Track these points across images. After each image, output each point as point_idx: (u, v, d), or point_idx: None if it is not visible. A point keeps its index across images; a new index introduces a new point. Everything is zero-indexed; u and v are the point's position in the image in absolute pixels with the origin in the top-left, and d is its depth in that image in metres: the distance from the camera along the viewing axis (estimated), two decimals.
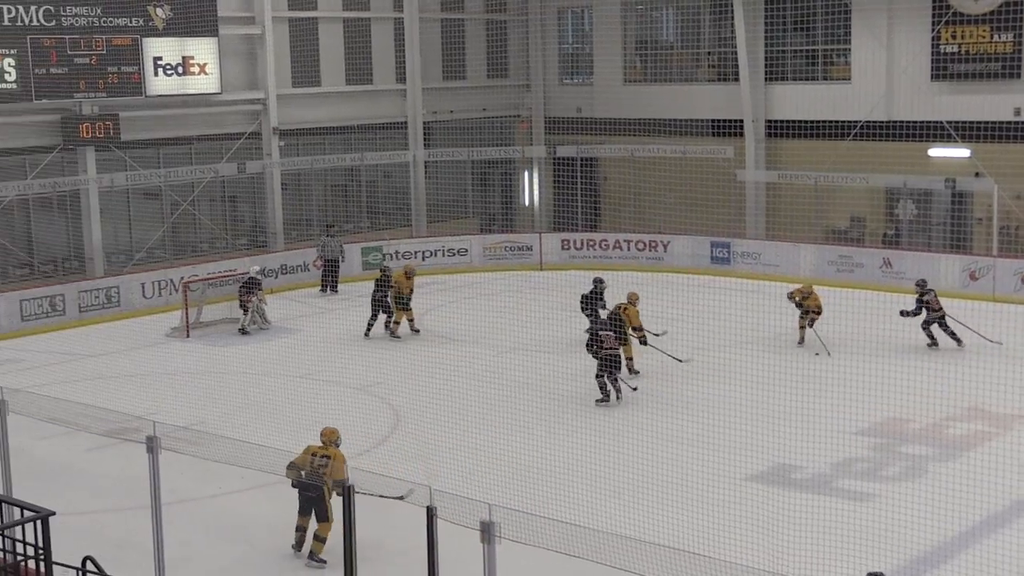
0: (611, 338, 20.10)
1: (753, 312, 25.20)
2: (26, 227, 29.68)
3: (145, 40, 29.95)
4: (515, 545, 9.10)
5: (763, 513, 14.67)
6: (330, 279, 30.65)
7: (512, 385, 20.70)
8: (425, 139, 36.49)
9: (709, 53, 36.12)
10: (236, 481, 15.12)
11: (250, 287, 26.46)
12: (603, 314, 22.72)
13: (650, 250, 33.00)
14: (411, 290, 25.46)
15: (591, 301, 23.75)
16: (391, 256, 32.80)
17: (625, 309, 21.71)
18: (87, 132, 29.16)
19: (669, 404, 19.41)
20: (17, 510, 7.39)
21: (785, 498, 15.11)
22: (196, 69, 31.00)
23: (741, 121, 33.68)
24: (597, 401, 19.79)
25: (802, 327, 23.33)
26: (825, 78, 33.44)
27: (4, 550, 7.33)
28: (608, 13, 36.82)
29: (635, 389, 20.17)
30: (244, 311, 26.35)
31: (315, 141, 34.59)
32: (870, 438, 17.71)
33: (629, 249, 33.20)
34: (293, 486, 13.43)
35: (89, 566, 10.56)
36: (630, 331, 21.38)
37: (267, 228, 33.59)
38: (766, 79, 33.75)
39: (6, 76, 27.76)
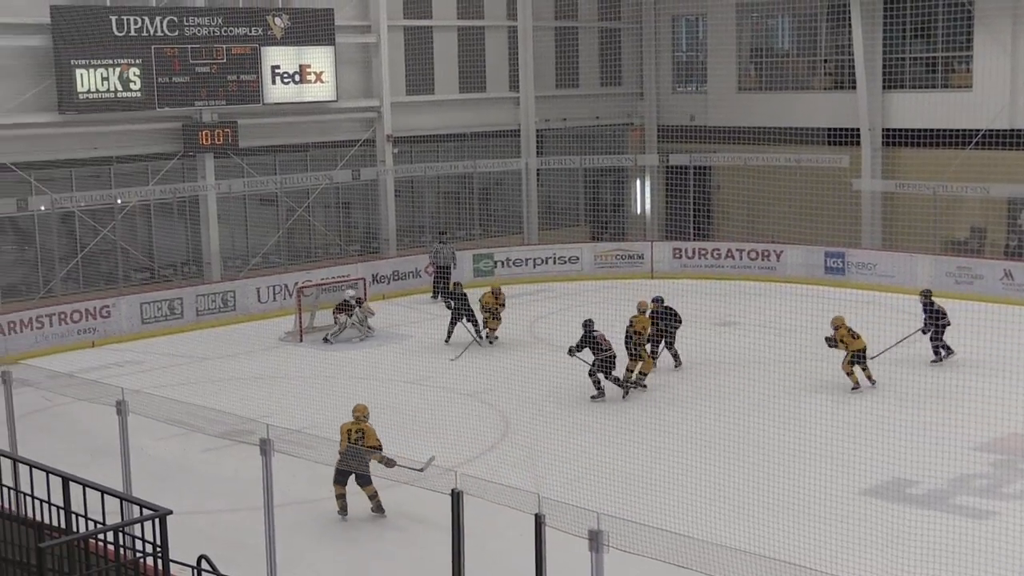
0: (605, 338, 20.98)
1: (868, 324, 24.70)
2: (147, 232, 30.36)
3: (264, 49, 30.48)
4: (623, 554, 9.04)
5: (878, 528, 14.39)
6: (441, 285, 30.83)
7: (620, 393, 20.61)
8: (538, 147, 36.57)
9: (825, 60, 35.63)
10: (349, 484, 15.25)
11: (343, 308, 26.66)
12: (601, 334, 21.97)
13: (763, 259, 32.62)
14: (501, 306, 25.49)
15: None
16: (503, 263, 32.91)
17: (633, 322, 21.74)
18: (207, 139, 29.77)
19: (783, 416, 19.14)
20: (136, 508, 7.53)
21: (901, 513, 14.80)
22: (313, 77, 31.44)
23: (857, 129, 33.15)
24: (592, 397, 20.68)
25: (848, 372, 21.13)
26: (945, 86, 32.77)
27: (123, 546, 7.47)
28: (723, 20, 36.53)
29: (645, 387, 21.11)
30: (335, 323, 26.60)
31: (428, 148, 34.85)
32: (990, 454, 17.28)
33: (741, 258, 32.87)
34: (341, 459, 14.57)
35: (204, 565, 10.75)
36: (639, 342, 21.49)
37: (380, 234, 33.94)
38: (884, 87, 33.18)
39: (131, 85, 28.45)
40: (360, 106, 33.16)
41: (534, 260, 33.63)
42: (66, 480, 7.65)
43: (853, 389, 20.69)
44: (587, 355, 20.89)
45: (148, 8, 28.73)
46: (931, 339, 22.75)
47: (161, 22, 28.75)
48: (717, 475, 16.33)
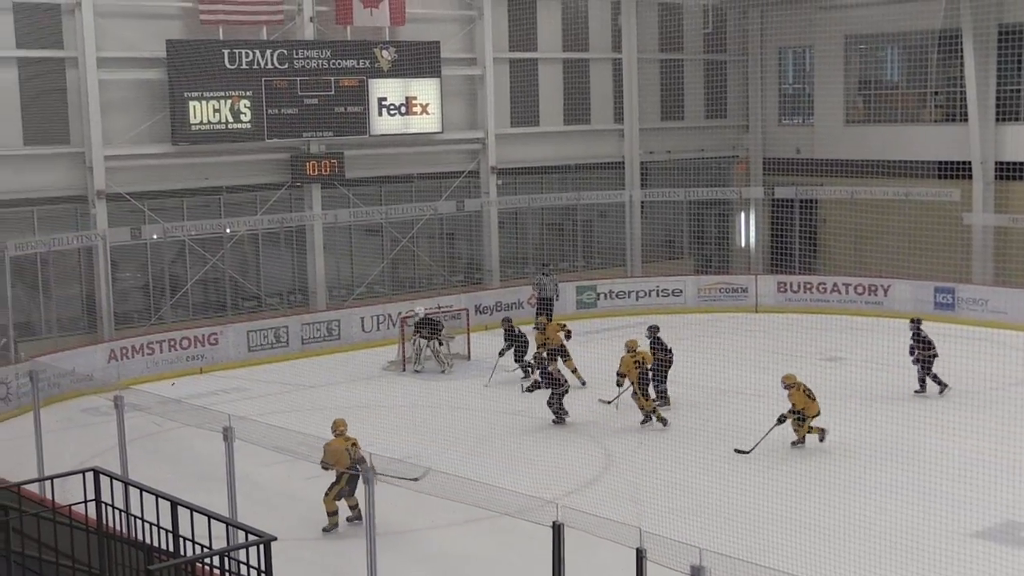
0: (556, 368, 22.32)
1: (978, 360, 24.19)
2: (255, 261, 30.85)
3: (371, 81, 30.88)
4: None
5: (990, 573, 14.01)
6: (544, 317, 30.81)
7: (724, 428, 20.39)
8: (642, 179, 36.51)
9: (936, 92, 35.06)
10: (448, 515, 15.28)
11: (419, 328, 26.74)
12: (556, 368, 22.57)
13: (870, 294, 32.12)
14: (559, 344, 25.04)
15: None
16: (605, 295, 32.86)
17: (622, 360, 21.60)
18: (314, 170, 30.21)
19: (889, 454, 18.76)
20: (241, 533, 7.63)
21: (1015, 558, 14.40)
22: (418, 109, 31.77)
23: (968, 163, 32.54)
24: (554, 422, 21.47)
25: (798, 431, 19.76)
26: None
27: (229, 571, 7.57)
28: (830, 52, 36.17)
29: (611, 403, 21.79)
30: (414, 344, 26.74)
31: (532, 180, 34.97)
32: None
33: (848, 292, 32.39)
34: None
35: None
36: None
37: (483, 265, 34.08)
38: (997, 119, 32.53)
39: (242, 116, 29.01)
40: (465, 137, 33.41)
41: (637, 292, 33.51)
42: (174, 504, 7.78)
43: (794, 444, 19.61)
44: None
45: (259, 41, 29.31)
46: (921, 368, 22.72)
47: (272, 55, 29.30)
48: (822, 513, 16.04)
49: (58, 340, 26.78)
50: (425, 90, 31.80)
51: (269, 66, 29.31)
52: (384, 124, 31.33)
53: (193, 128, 28.43)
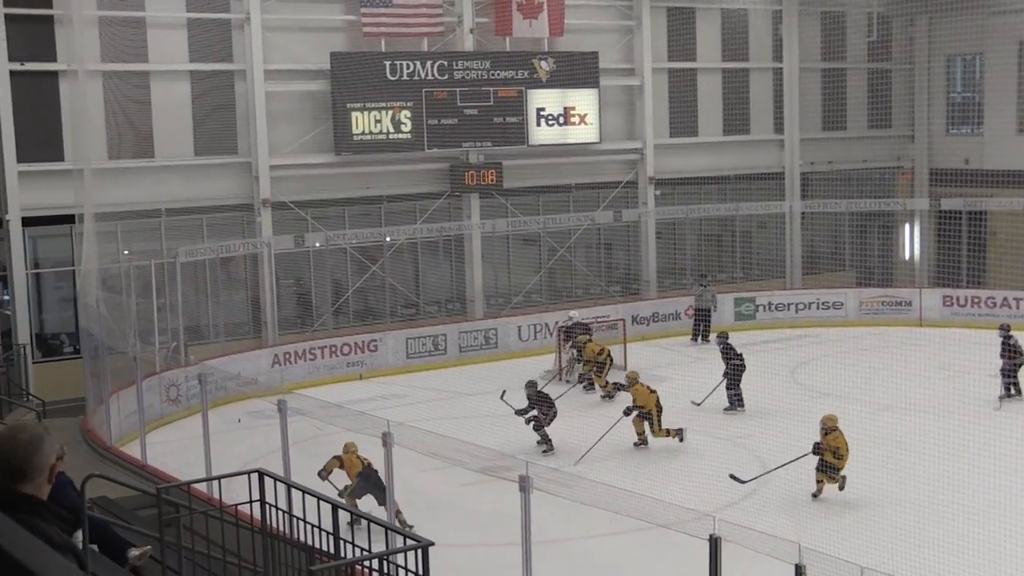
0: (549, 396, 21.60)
1: None
2: (413, 269, 31.28)
3: (529, 92, 31.06)
4: None
5: None
6: (701, 328, 30.56)
7: (887, 444, 19.90)
8: (802, 190, 35.93)
9: None
10: (605, 525, 15.23)
11: (569, 334, 26.71)
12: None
13: None
14: (593, 363, 25.14)
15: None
16: (764, 307, 32.43)
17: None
18: (472, 180, 30.50)
19: None
20: (400, 538, 7.73)
21: None
22: (577, 119, 31.83)
23: None
24: (544, 452, 20.49)
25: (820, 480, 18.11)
26: None
27: (387, 574, 7.67)
28: (1002, 58, 35.06)
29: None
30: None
31: (690, 190, 34.71)
32: None
33: (1019, 307, 31.32)
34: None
35: None
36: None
37: (640, 275, 33.95)
38: None
39: (402, 127, 29.47)
40: (623, 148, 33.35)
41: (796, 305, 32.98)
42: (335, 507, 7.91)
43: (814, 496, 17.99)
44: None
45: (420, 53, 29.73)
46: (1004, 374, 22.38)
47: (432, 66, 29.70)
48: (990, 538, 15.53)
49: (225, 344, 27.55)
50: (583, 100, 31.85)
51: (429, 77, 29.71)
52: (542, 134, 31.47)
53: (355, 138, 28.99)
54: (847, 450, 17.76)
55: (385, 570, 7.67)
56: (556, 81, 31.39)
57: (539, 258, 32.88)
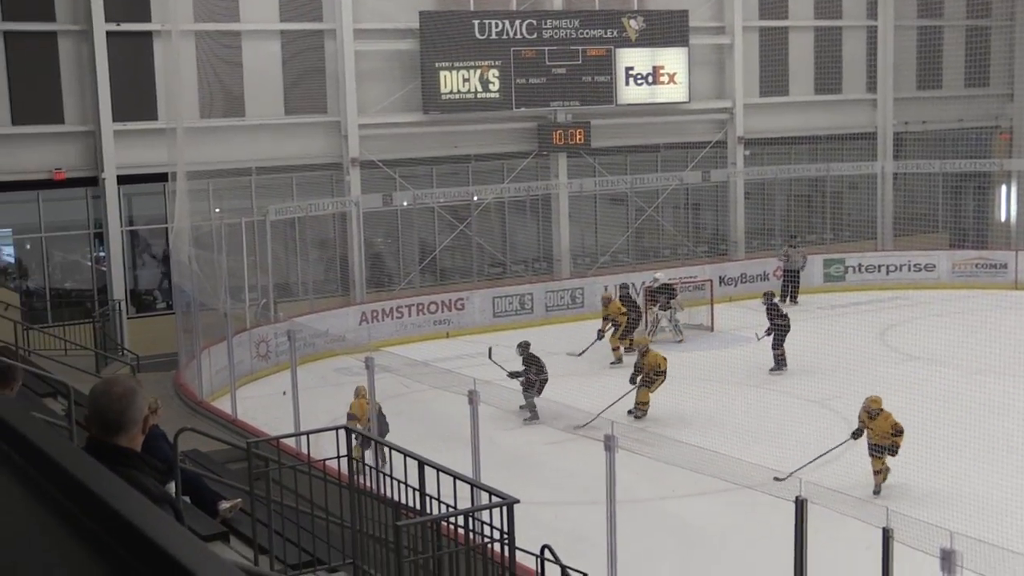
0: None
1: None
2: (500, 228, 31.34)
3: (618, 51, 30.85)
4: None
5: None
6: (790, 289, 30.28)
7: (979, 409, 19.59)
8: (895, 150, 35.32)
9: None
10: (690, 485, 15.22)
11: (652, 298, 26.64)
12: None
13: None
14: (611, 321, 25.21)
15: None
16: (854, 269, 32.02)
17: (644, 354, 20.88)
18: (560, 139, 30.43)
19: None
20: (485, 495, 7.79)
21: None
22: (665, 78, 31.57)
23: None
24: (526, 420, 19.82)
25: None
26: None
27: (472, 531, 7.74)
28: None
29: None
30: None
31: (780, 150, 34.30)
32: None
33: None
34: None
35: (547, 554, 10.99)
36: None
37: (728, 236, 33.68)
38: None
39: (490, 86, 29.45)
40: (712, 107, 33.04)
41: (887, 267, 32.52)
42: (422, 464, 7.99)
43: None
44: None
45: (508, 12, 29.66)
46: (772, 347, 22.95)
47: (520, 25, 29.61)
48: None
49: (313, 302, 27.86)
50: (673, 59, 31.57)
51: (518, 36, 29.63)
52: (631, 93, 31.27)
53: (443, 97, 29.04)
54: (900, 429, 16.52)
55: (470, 526, 7.74)
56: (645, 40, 31.13)
57: (626, 218, 32.76)
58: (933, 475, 16.30)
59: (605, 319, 25.46)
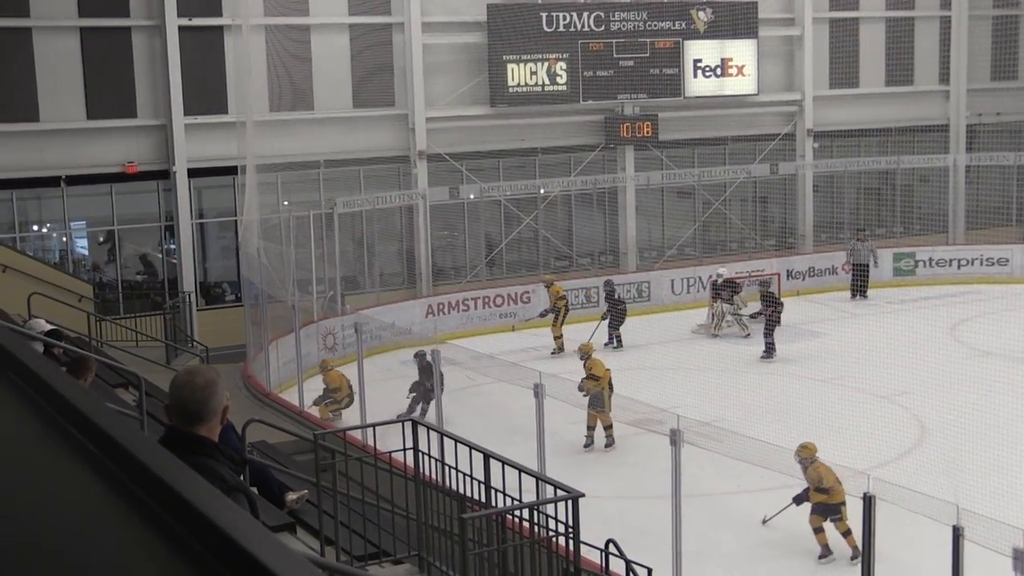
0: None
1: None
2: (567, 221, 31.32)
3: (686, 43, 30.70)
4: None
5: None
6: (859, 284, 29.95)
7: None
8: (968, 142, 34.81)
9: None
10: (755, 480, 15.14)
11: (716, 293, 26.49)
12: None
13: None
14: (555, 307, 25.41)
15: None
16: (925, 263, 31.63)
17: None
18: (627, 132, 30.33)
19: None
20: (550, 488, 7.80)
21: None
22: (734, 71, 31.36)
23: None
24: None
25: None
26: None
27: (537, 524, 7.76)
28: None
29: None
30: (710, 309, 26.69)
31: (849, 143, 33.94)
32: None
33: None
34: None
35: (611, 548, 10.99)
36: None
37: (796, 229, 33.40)
38: None
39: (558, 79, 29.44)
40: (781, 99, 32.78)
41: (959, 261, 32.05)
42: (487, 457, 8.03)
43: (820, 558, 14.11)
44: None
45: (576, 4, 29.61)
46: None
47: (588, 17, 29.56)
48: None
49: (380, 294, 28.01)
50: (741, 51, 31.34)
51: (585, 28, 29.58)
52: (699, 86, 31.10)
53: (511, 90, 29.07)
54: (837, 481, 13.73)
55: (535, 519, 7.76)
56: (714, 32, 30.94)
57: (693, 211, 32.60)
58: (1005, 473, 16.08)
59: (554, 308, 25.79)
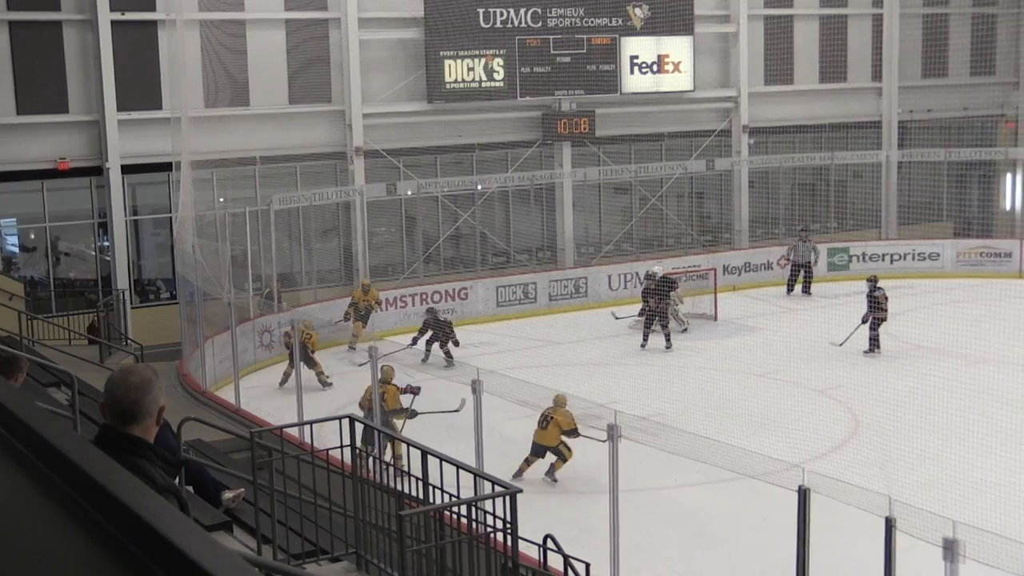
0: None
1: None
2: (504, 217, 31.34)
3: (623, 39, 30.82)
4: (980, 567, 8.63)
5: None
6: (799, 281, 29.99)
7: (982, 398, 19.60)
8: (900, 139, 35.26)
9: None
10: (692, 475, 15.25)
11: (648, 291, 26.65)
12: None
13: None
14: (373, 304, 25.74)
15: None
16: (858, 258, 32.00)
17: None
18: (564, 128, 30.40)
19: None
20: (488, 484, 7.82)
21: None
22: (670, 67, 31.53)
23: None
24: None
25: None
26: None
27: (476, 520, 7.77)
28: None
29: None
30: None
31: (784, 139, 34.26)
32: None
33: None
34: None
35: (549, 543, 11.03)
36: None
37: (732, 225, 33.67)
38: None
39: (495, 75, 29.43)
40: (717, 96, 33.00)
41: (891, 255, 32.48)
42: (425, 453, 8.02)
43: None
44: None
45: (513, 0, 29.61)
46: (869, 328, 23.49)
47: (525, 14, 29.58)
48: None
49: (317, 291, 27.88)
50: (677, 48, 31.52)
51: (522, 25, 29.60)
52: (635, 82, 31.23)
53: (448, 86, 29.02)
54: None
55: (474, 516, 7.77)
56: (650, 28, 31.09)
57: (630, 207, 32.75)
58: (936, 464, 16.33)
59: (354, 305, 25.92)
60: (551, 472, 16.70)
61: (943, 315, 25.32)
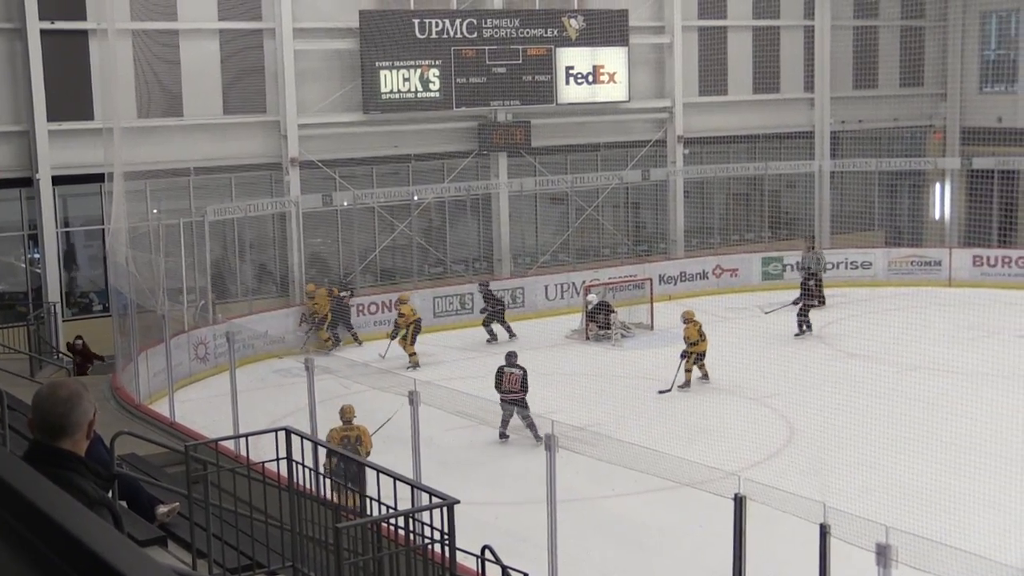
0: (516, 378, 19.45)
1: None
2: (441, 228, 31.31)
3: (558, 50, 30.92)
4: (913, 571, 8.73)
5: None
6: (815, 293, 29.22)
7: (915, 405, 19.85)
8: (832, 149, 35.68)
9: None
10: (630, 484, 15.30)
11: (593, 315, 26.96)
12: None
13: None
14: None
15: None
16: (792, 267, 32.30)
17: None
18: (500, 138, 30.44)
19: None
20: (425, 496, 7.79)
21: None
22: (606, 78, 31.68)
23: None
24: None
25: None
26: None
27: (413, 532, 7.74)
28: None
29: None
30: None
31: (719, 149, 34.53)
32: None
33: None
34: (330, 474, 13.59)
35: (487, 554, 11.01)
36: None
37: (668, 235, 33.87)
38: None
39: (431, 86, 29.41)
40: (652, 107, 33.20)
41: (825, 264, 32.77)
42: (360, 465, 7.98)
43: (680, 387, 21.98)
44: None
45: (449, 11, 29.64)
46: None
47: (461, 24, 29.60)
48: (1019, 499, 15.51)
49: (252, 303, 27.67)
50: (612, 59, 31.68)
51: (458, 35, 29.61)
52: (571, 93, 31.35)
53: (384, 97, 28.96)
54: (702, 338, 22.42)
55: (411, 527, 7.74)
56: (585, 39, 31.22)
57: (566, 217, 32.85)
58: (869, 471, 16.51)
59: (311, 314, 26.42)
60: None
61: (876, 323, 25.62)
